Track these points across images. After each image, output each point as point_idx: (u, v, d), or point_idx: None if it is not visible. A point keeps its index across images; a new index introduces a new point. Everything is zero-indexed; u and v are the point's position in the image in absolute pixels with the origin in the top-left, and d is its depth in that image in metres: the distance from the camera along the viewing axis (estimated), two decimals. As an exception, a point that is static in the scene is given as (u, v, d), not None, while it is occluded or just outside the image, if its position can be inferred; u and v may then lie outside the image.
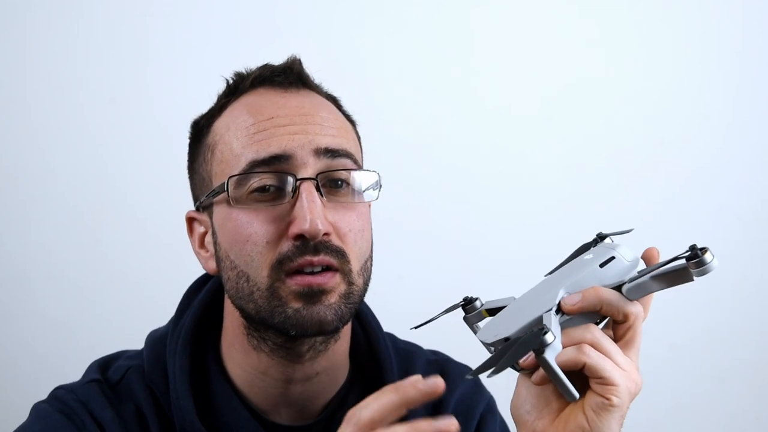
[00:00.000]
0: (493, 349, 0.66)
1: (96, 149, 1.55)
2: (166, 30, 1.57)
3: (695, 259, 0.59)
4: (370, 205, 0.86)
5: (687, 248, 0.60)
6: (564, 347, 0.61)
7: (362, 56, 1.59)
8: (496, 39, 1.64)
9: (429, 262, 1.59)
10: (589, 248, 0.69)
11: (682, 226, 1.61)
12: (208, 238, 0.83)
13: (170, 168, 1.48)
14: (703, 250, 0.59)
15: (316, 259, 0.74)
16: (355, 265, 0.77)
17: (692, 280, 0.60)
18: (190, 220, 0.85)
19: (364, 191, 0.79)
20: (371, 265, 0.81)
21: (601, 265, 0.64)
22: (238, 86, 0.83)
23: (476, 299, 0.74)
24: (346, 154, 0.78)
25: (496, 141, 1.63)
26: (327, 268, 0.75)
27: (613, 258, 0.65)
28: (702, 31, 1.65)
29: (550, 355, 0.59)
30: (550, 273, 0.70)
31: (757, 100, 1.65)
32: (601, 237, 0.70)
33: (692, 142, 1.64)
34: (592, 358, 0.61)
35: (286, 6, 1.60)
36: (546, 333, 0.59)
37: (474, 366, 0.97)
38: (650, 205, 1.63)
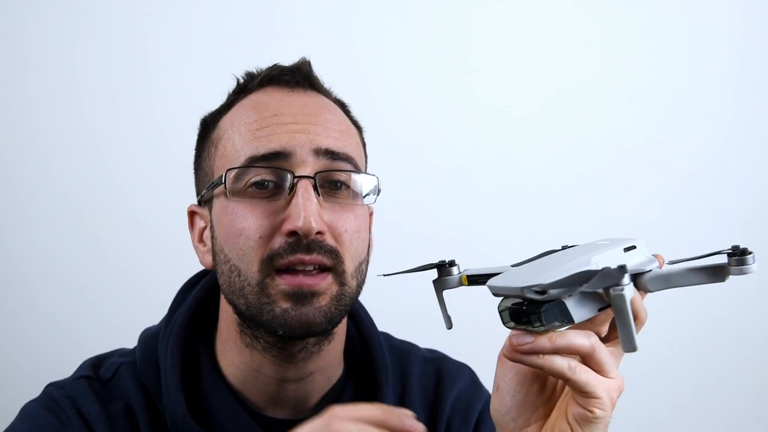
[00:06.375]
0: (505, 300, 0.62)
1: (96, 149, 1.55)
2: (166, 30, 1.57)
3: (738, 257, 0.58)
4: (372, 213, 0.85)
5: (729, 247, 0.59)
6: (559, 349, 0.59)
7: (361, 56, 1.59)
8: (496, 39, 1.64)
9: (428, 262, 1.58)
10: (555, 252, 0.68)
11: (682, 226, 1.61)
12: (207, 233, 0.83)
13: (170, 168, 1.49)
14: (746, 250, 0.58)
15: (308, 258, 0.74)
16: (350, 265, 0.77)
17: (724, 279, 0.59)
18: (192, 214, 0.86)
19: (363, 195, 0.79)
20: (366, 268, 0.81)
21: (625, 250, 0.63)
22: (248, 85, 0.83)
23: (455, 264, 0.73)
24: (347, 158, 0.78)
25: (496, 141, 1.62)
26: (320, 268, 0.75)
27: (634, 247, 0.64)
28: (702, 31, 1.65)
29: (628, 293, 0.56)
30: (518, 264, 0.68)
31: (757, 100, 1.65)
32: (566, 248, 0.68)
33: (692, 143, 1.64)
34: (578, 374, 0.59)
35: (286, 6, 1.60)
36: (627, 273, 0.56)
37: (472, 365, 0.98)
38: (650, 205, 1.63)
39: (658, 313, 1.58)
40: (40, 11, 1.55)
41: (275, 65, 0.84)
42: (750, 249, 0.58)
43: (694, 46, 1.65)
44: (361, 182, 0.79)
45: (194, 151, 0.87)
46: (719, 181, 1.65)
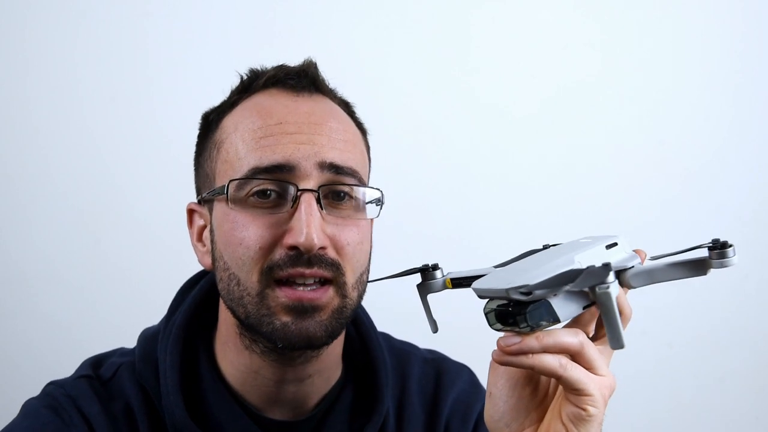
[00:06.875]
0: (491, 302, 0.62)
1: (96, 149, 1.55)
2: (166, 30, 1.57)
3: (718, 250, 0.58)
4: (372, 221, 0.85)
5: (710, 240, 0.59)
6: (547, 347, 0.59)
7: (361, 56, 1.59)
8: (496, 39, 1.64)
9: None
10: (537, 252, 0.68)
11: (682, 226, 1.61)
12: (206, 233, 0.82)
13: (170, 168, 1.49)
14: (726, 243, 0.58)
15: (308, 271, 0.73)
16: (351, 278, 0.76)
17: (706, 273, 0.59)
18: (191, 212, 0.85)
19: (366, 206, 0.79)
20: (367, 277, 0.81)
21: (607, 247, 0.63)
22: (252, 84, 0.82)
23: (438, 267, 0.73)
24: (351, 172, 0.77)
25: (496, 141, 1.62)
26: (320, 281, 0.75)
27: (615, 244, 0.64)
28: (702, 31, 1.65)
29: (614, 291, 0.57)
30: (501, 265, 0.68)
31: (757, 100, 1.65)
32: (548, 247, 0.69)
33: (692, 143, 1.64)
34: (569, 371, 0.59)
35: (286, 6, 1.60)
36: (611, 271, 0.56)
37: (472, 366, 0.98)
38: (650, 205, 1.63)
39: (657, 313, 1.58)
40: (40, 11, 1.55)
41: (281, 66, 0.83)
42: (730, 242, 0.58)
43: (694, 46, 1.65)
44: (365, 195, 0.79)
45: (194, 147, 0.86)
46: (719, 181, 1.65)
